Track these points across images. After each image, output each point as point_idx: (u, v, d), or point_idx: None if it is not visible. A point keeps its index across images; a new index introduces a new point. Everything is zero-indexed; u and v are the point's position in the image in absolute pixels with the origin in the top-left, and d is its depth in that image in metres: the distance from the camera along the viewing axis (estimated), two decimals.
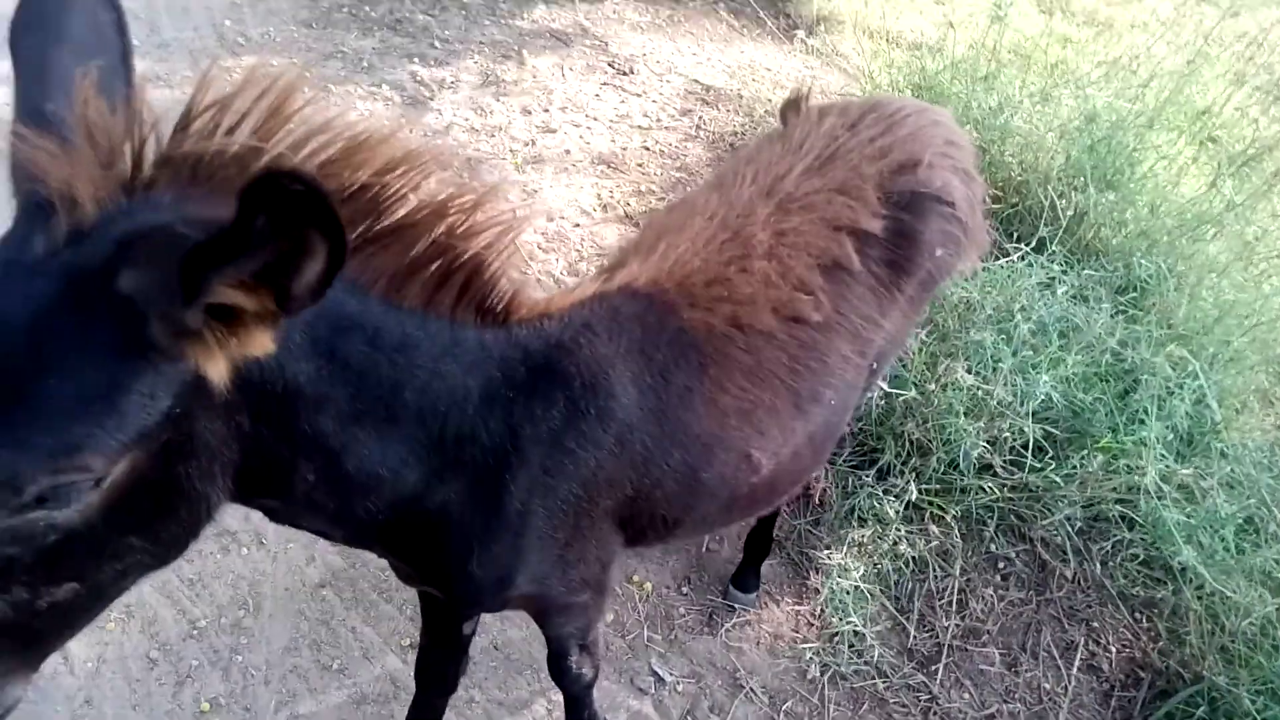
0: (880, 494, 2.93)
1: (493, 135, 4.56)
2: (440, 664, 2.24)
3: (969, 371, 2.88)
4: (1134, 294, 3.75)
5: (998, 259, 3.55)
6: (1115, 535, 3.05)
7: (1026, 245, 3.56)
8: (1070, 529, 3.07)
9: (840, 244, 1.82)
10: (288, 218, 0.83)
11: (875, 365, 2.03)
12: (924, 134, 2.00)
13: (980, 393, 2.87)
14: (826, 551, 2.83)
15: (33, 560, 1.00)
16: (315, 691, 2.59)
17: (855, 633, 2.85)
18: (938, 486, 3.06)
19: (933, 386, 2.89)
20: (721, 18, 6.10)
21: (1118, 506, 3.01)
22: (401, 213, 1.24)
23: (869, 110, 2.03)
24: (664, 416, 1.65)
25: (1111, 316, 3.37)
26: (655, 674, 2.75)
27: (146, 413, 0.99)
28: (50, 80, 1.07)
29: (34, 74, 1.08)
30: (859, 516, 2.96)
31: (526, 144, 4.55)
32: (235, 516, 2.89)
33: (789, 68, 5.62)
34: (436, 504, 1.47)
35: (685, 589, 2.98)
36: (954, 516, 3.04)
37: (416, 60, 4.94)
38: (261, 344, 1.00)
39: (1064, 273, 3.44)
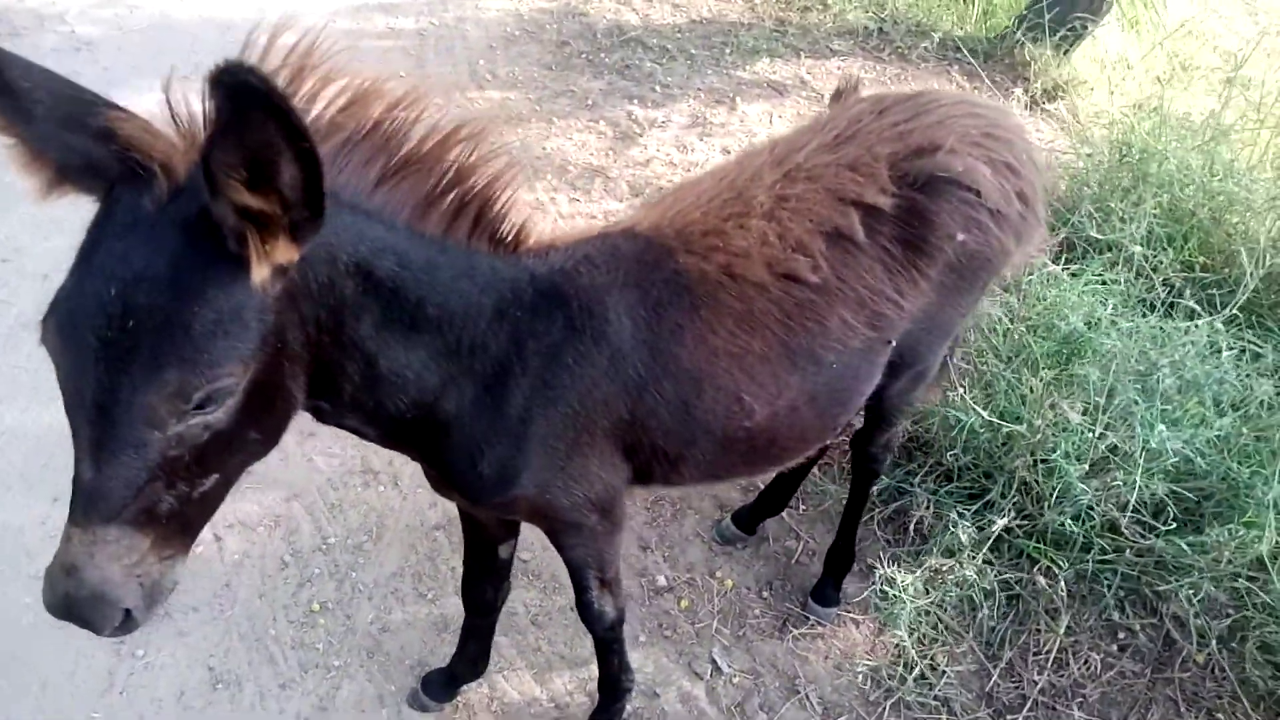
0: (976, 529, 2.83)
1: (688, 170, 4.85)
2: (479, 585, 2.45)
3: (1084, 414, 2.73)
4: None
5: (1163, 314, 3.33)
6: (1256, 621, 2.74)
7: (1214, 311, 3.31)
8: (1205, 608, 2.79)
9: (844, 214, 1.89)
10: (246, 103, 1.04)
11: (900, 343, 2.06)
12: (954, 122, 2.02)
13: (1096, 439, 2.71)
14: (912, 578, 2.77)
15: (191, 458, 1.30)
16: (407, 612, 2.90)
17: (931, 666, 2.75)
18: (1051, 535, 2.90)
19: (1040, 422, 2.77)
20: (952, 78, 6.08)
21: (1260, 591, 2.71)
22: (413, 142, 1.51)
23: (904, 99, 2.09)
24: (655, 347, 1.80)
25: None
26: (714, 663, 2.81)
27: (261, 323, 1.29)
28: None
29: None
30: (949, 549, 2.86)
31: None
32: (381, 459, 3.30)
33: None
34: (451, 406, 1.71)
35: (765, 593, 3.01)
36: (1065, 570, 2.86)
37: (635, 101, 5.36)
38: (286, 251, 1.26)
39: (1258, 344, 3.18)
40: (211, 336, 1.23)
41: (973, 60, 6.10)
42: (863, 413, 2.51)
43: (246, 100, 1.04)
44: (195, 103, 1.27)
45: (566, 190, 4.61)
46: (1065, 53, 5.82)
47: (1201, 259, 4.01)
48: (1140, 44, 6.05)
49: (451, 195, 1.57)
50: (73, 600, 1.31)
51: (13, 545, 2.94)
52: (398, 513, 3.17)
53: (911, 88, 5.93)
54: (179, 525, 1.38)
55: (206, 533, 3.02)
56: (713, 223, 1.86)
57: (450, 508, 3.18)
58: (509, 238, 1.69)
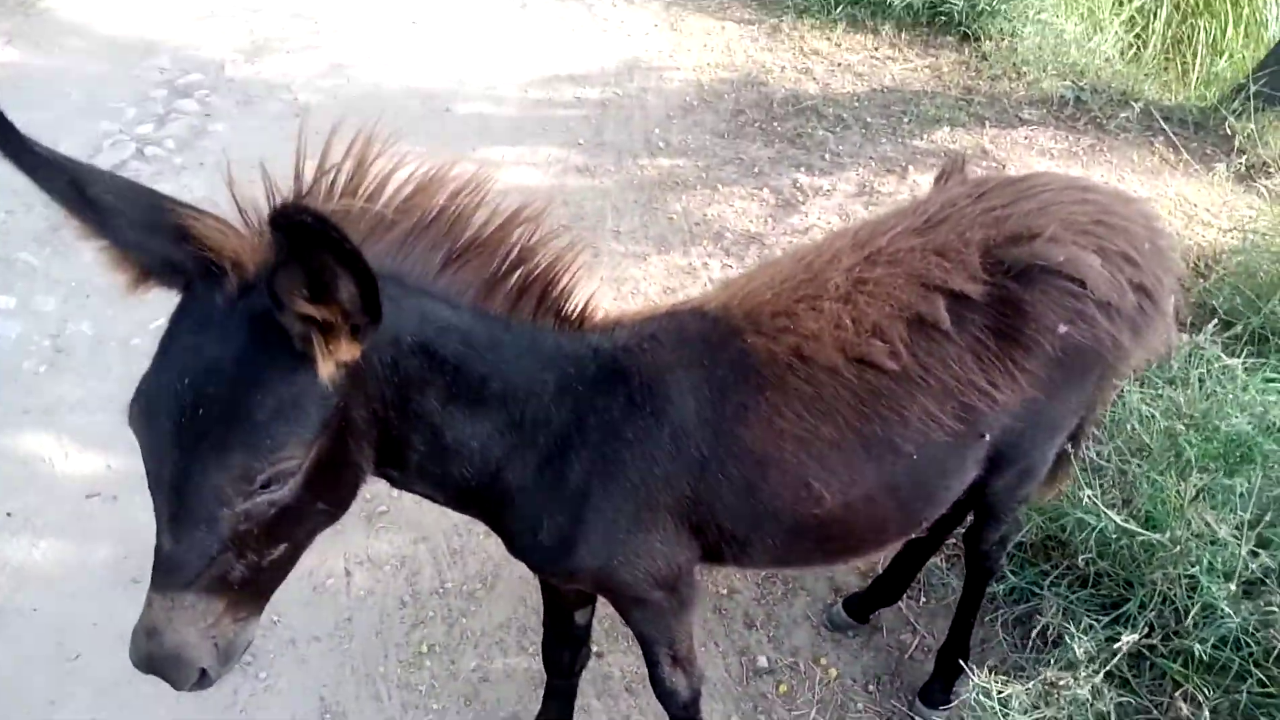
0: (1105, 640, 2.56)
1: None
2: (557, 649, 2.47)
3: (1237, 528, 2.44)
4: None
5: None
6: None
7: None
8: None
9: (929, 301, 1.80)
10: (302, 239, 1.14)
11: (999, 438, 1.93)
12: (1059, 209, 1.89)
13: (1246, 556, 2.41)
14: (1020, 689, 2.55)
15: (259, 531, 1.43)
16: (509, 663, 2.96)
17: None
18: (1200, 660, 2.59)
19: (1183, 533, 2.49)
20: (1155, 149, 5.67)
21: None
22: (476, 226, 1.60)
23: (1007, 182, 1.98)
24: (719, 427, 1.78)
25: None
26: None
27: (323, 408, 1.41)
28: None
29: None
30: (1070, 661, 2.60)
31: None
32: None
33: (1221, 209, 5.06)
34: (514, 476, 1.77)
35: (871, 687, 2.86)
36: (1215, 698, 2.54)
37: (803, 169, 5.34)
38: (349, 350, 1.35)
39: None
40: (274, 423, 1.34)
41: (1180, 130, 5.69)
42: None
43: (303, 238, 1.14)
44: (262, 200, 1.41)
45: (720, 256, 4.65)
46: None
47: None
48: None
49: (515, 275, 1.64)
50: (154, 659, 1.45)
51: None
52: (511, 563, 3.22)
53: (1107, 159, 5.59)
54: (252, 590, 1.50)
55: (339, 565, 3.23)
56: (784, 304, 1.83)
57: None
58: (573, 314, 1.74)
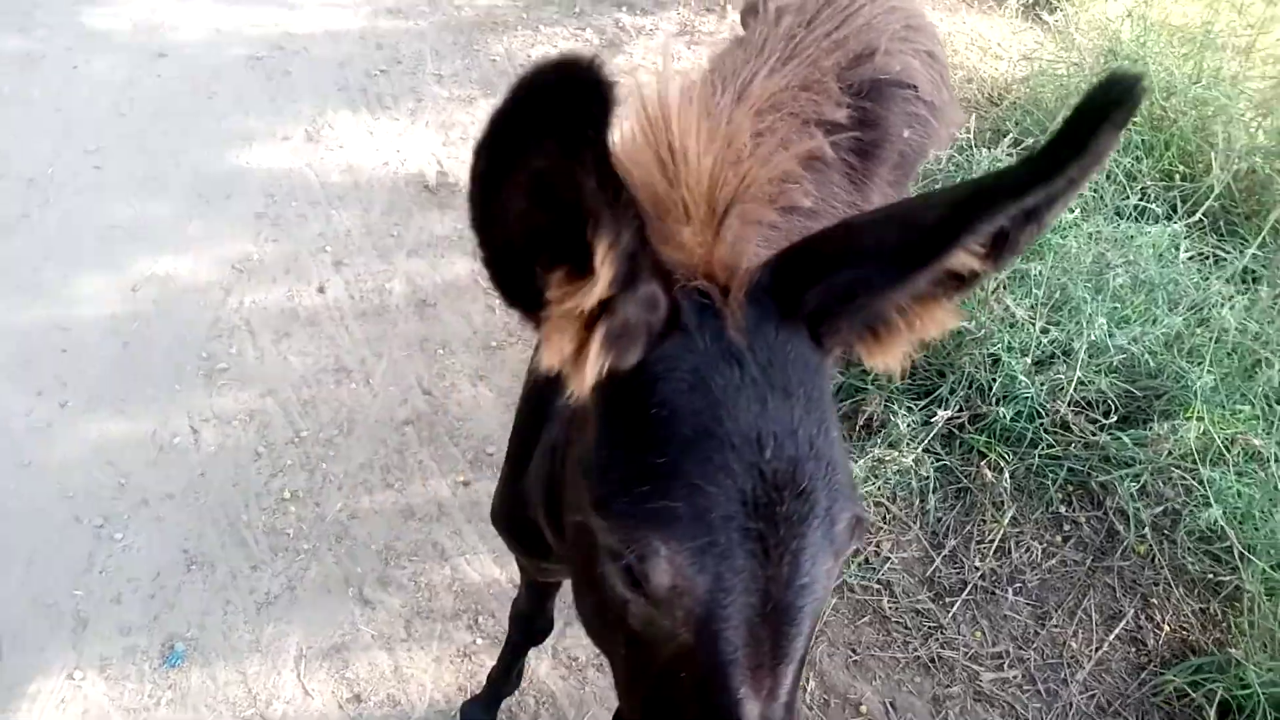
0: (920, 422, 2.89)
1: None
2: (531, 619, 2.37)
3: (1031, 309, 2.77)
4: None
5: (1134, 220, 3.34)
6: (1189, 509, 2.81)
7: (1178, 215, 3.31)
8: (1143, 500, 2.86)
9: (813, 137, 1.91)
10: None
11: None
12: (878, 21, 2.05)
13: (1039, 334, 2.76)
14: (859, 464, 2.84)
15: None
16: (375, 501, 3.01)
17: (875, 552, 2.85)
18: (1001, 431, 2.96)
19: (987, 319, 2.81)
20: None
21: (1194, 481, 2.77)
22: None
23: (825, 5, 2.10)
24: None
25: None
26: None
27: None
28: None
29: None
30: (893, 441, 2.93)
31: None
32: (353, 358, 3.39)
33: (1010, 41, 5.41)
34: None
35: None
36: (1013, 464, 2.93)
37: (624, 9, 5.30)
38: None
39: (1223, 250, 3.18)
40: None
41: None
42: None
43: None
44: None
45: None
46: None
47: (1181, 168, 3.98)
48: None
49: None
50: None
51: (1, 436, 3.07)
52: (368, 408, 3.27)
53: None
54: None
55: (183, 424, 3.15)
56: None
57: (420, 405, 3.28)
58: None
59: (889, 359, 0.98)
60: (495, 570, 2.87)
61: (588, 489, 0.92)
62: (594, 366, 0.86)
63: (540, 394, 1.46)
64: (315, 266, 3.71)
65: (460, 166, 4.17)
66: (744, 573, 0.84)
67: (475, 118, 4.44)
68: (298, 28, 4.87)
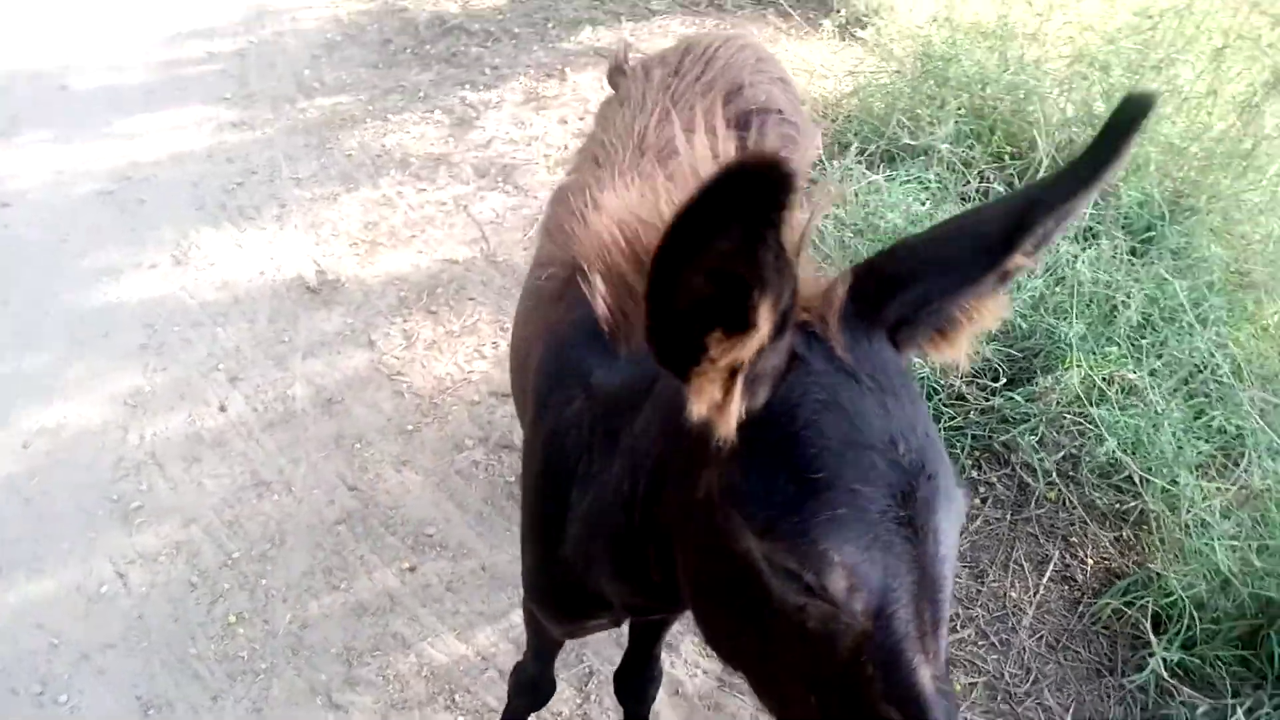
0: None
1: (529, 144, 4.97)
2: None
3: None
4: (1150, 232, 3.75)
5: (979, 202, 3.63)
6: (1086, 450, 3.06)
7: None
8: (1044, 450, 3.10)
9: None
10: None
11: None
12: (735, 60, 2.25)
13: None
14: None
15: None
16: (323, 605, 2.98)
17: None
18: None
19: None
20: (769, 20, 6.34)
21: (1084, 422, 3.03)
22: None
23: (685, 53, 2.29)
24: None
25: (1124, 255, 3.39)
26: None
27: None
28: None
29: None
30: None
31: (560, 148, 4.94)
32: (269, 470, 3.35)
33: (832, 61, 5.80)
34: None
35: None
36: None
37: (467, 87, 5.44)
38: None
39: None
40: None
41: (784, 1, 6.41)
42: None
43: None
44: None
45: (412, 181, 4.68)
46: None
47: (1009, 149, 4.35)
48: None
49: None
50: None
51: None
52: (296, 516, 3.23)
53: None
54: None
55: (107, 570, 3.04)
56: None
57: (349, 503, 3.26)
58: None
59: (955, 353, 1.11)
60: (461, 647, 2.88)
61: (745, 520, 0.99)
62: (737, 409, 0.95)
63: (556, 470, 1.53)
64: (211, 387, 3.66)
65: (338, 263, 4.19)
66: (905, 557, 0.94)
67: (343, 213, 4.47)
68: (142, 156, 4.81)
